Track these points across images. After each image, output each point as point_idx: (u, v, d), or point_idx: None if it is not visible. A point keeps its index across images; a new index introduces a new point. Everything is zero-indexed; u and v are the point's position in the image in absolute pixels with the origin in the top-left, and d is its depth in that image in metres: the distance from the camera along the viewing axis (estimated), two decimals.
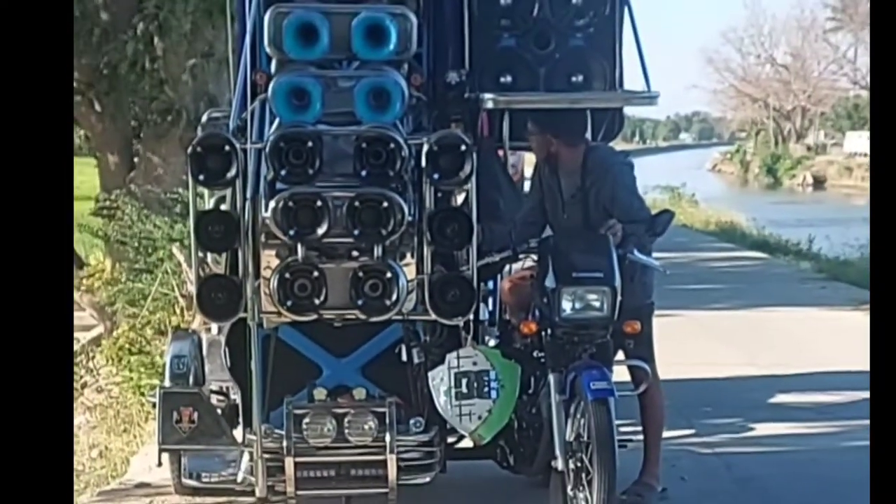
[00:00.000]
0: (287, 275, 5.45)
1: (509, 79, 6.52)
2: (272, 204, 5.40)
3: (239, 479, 5.99)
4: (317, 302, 5.47)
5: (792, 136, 78.41)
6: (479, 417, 5.77)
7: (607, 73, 6.53)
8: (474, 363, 5.79)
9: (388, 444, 5.60)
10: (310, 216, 5.39)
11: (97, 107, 16.82)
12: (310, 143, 5.41)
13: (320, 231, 5.40)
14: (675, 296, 12.02)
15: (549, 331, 5.87)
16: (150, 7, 15.55)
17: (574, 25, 6.54)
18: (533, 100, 6.44)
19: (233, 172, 5.46)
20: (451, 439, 6.13)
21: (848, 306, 13.90)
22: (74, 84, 15.55)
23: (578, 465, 5.62)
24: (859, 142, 61.01)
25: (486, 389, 5.77)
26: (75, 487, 8.02)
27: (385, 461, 5.62)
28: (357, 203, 5.39)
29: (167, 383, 6.28)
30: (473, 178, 5.56)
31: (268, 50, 5.67)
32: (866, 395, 4.88)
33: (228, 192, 5.74)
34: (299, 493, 5.67)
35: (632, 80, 6.60)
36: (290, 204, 5.38)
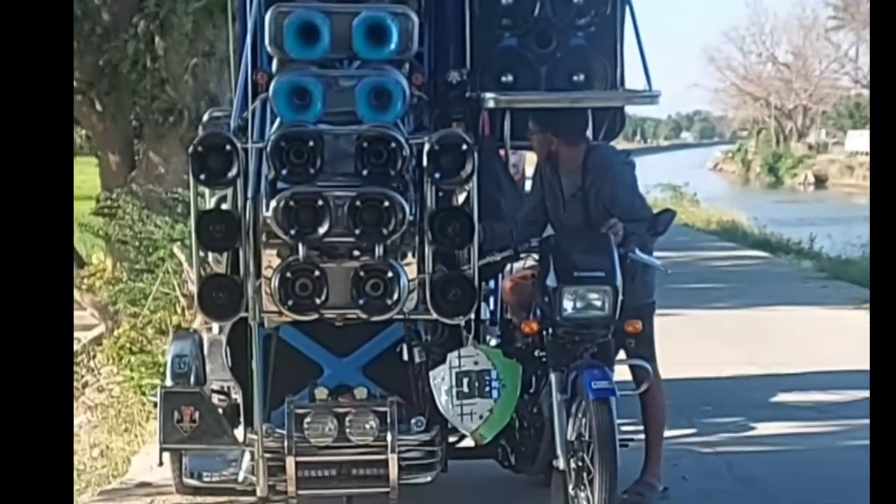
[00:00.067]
0: (288, 274, 5.45)
1: (510, 78, 6.52)
2: (273, 203, 5.40)
3: (240, 478, 5.99)
4: (318, 301, 5.47)
5: (793, 134, 78.41)
6: (481, 417, 5.78)
7: (608, 73, 6.52)
8: (475, 362, 5.79)
9: (389, 443, 5.60)
10: (311, 215, 5.39)
11: (98, 106, 16.82)
12: (311, 143, 5.41)
13: (321, 230, 5.40)
14: (676, 295, 12.02)
15: (550, 330, 5.87)
16: (151, 6, 15.55)
17: (575, 24, 6.53)
18: (534, 99, 6.44)
19: (234, 172, 5.47)
20: (452, 439, 6.13)
21: (849, 305, 13.89)
22: (75, 83, 15.55)
23: (580, 464, 5.62)
24: (861, 141, 60.97)
25: (487, 389, 5.77)
26: (77, 487, 8.03)
27: (386, 461, 5.62)
28: (358, 202, 5.39)
29: (168, 383, 6.29)
30: (475, 178, 5.56)
31: (269, 49, 5.67)
32: (868, 394, 4.88)
33: (229, 191, 5.74)
34: (300, 492, 5.67)
35: (633, 79, 6.61)
36: (292, 203, 5.38)
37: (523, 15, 6.52)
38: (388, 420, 5.60)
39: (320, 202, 5.39)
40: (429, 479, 5.84)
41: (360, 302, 5.46)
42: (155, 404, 6.11)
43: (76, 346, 12.81)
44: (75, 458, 8.94)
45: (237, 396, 5.97)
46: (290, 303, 5.46)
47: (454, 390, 5.74)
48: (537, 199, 6.62)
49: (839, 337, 11.72)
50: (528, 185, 7.11)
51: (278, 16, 5.58)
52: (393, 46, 5.61)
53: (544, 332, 5.92)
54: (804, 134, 78.79)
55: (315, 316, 5.53)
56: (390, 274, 5.45)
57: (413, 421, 5.76)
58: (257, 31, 5.90)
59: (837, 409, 8.87)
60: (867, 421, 4.73)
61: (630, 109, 7.53)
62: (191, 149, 5.50)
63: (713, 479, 7.25)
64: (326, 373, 5.89)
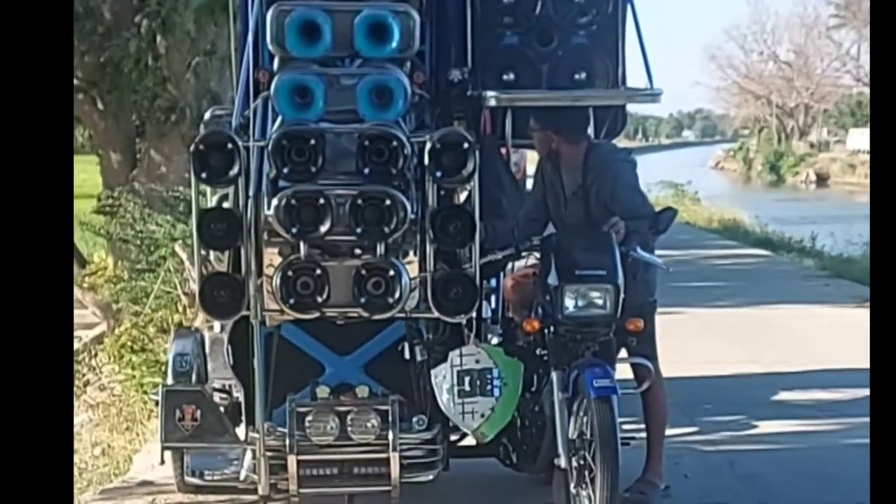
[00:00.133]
0: (290, 272, 5.45)
1: (512, 76, 6.50)
2: (275, 202, 5.40)
3: (241, 476, 5.99)
4: (319, 300, 5.47)
5: (795, 133, 78.42)
6: (482, 415, 5.77)
7: (610, 71, 6.51)
8: (477, 361, 5.79)
9: (390, 442, 5.59)
10: (312, 214, 5.39)
11: (100, 105, 16.84)
12: (312, 141, 5.41)
13: (323, 229, 5.40)
14: (677, 293, 12.00)
15: (551, 328, 5.87)
16: (153, 4, 15.56)
17: (577, 23, 6.52)
18: (535, 97, 6.43)
19: (235, 170, 5.47)
20: (453, 437, 6.13)
21: (851, 303, 13.88)
22: (77, 82, 15.58)
23: (581, 462, 5.61)
24: (862, 139, 60.89)
25: (488, 387, 5.77)
26: (78, 485, 8.04)
27: (388, 459, 5.61)
28: (360, 201, 5.39)
29: (170, 381, 6.30)
30: (476, 176, 5.56)
31: (270, 48, 5.67)
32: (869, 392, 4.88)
33: (231, 189, 5.74)
34: (302, 491, 5.67)
35: (634, 77, 6.60)
36: (293, 202, 5.38)
37: (525, 13, 6.51)
38: (390, 418, 5.60)
39: (322, 201, 5.39)
40: (430, 477, 5.84)
41: (362, 300, 5.47)
42: (156, 403, 6.11)
43: (78, 345, 12.83)
44: (77, 456, 8.95)
45: (239, 395, 5.97)
46: (291, 301, 5.46)
47: (456, 389, 5.74)
48: (538, 197, 6.62)
49: (841, 335, 11.72)
50: (529, 184, 7.11)
51: (280, 14, 5.58)
52: (394, 45, 5.60)
53: (546, 331, 5.91)
54: (806, 132, 78.81)
55: (316, 314, 5.53)
56: (392, 272, 5.45)
57: (415, 419, 5.76)
58: (259, 30, 5.89)
59: (839, 407, 8.87)
60: (868, 419, 4.73)
61: (631, 108, 7.54)
62: (192, 147, 5.50)
63: (715, 477, 7.25)
64: (328, 371, 5.89)
